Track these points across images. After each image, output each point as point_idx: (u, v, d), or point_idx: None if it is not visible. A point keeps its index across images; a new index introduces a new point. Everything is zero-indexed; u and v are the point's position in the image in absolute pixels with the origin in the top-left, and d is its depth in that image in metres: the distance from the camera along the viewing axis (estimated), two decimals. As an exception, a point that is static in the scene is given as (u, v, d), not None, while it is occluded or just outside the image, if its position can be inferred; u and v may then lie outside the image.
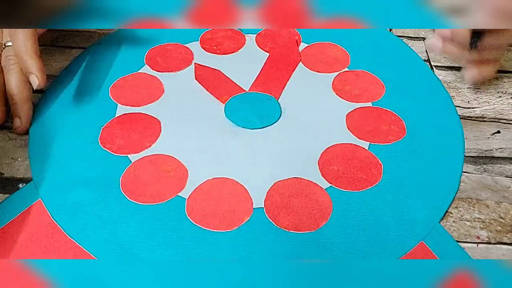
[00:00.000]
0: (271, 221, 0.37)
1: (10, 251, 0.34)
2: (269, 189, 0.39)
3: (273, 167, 0.41)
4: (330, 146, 0.43)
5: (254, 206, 0.38)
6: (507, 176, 0.42)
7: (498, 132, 0.45)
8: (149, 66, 0.49)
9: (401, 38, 0.55)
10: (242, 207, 0.38)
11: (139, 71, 0.49)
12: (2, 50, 0.43)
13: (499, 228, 0.38)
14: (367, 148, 0.43)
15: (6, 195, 0.38)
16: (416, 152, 0.42)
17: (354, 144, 0.43)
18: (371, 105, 0.47)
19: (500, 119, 0.46)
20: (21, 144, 0.42)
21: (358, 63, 0.51)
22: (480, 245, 0.37)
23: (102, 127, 0.43)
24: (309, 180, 0.40)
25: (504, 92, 0.49)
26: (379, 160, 0.42)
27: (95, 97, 0.46)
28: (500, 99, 0.48)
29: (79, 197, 0.38)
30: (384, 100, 0.47)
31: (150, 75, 0.49)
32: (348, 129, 0.44)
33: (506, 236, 0.37)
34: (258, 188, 0.39)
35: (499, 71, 0.50)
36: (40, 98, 0.46)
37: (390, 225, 0.37)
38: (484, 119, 0.46)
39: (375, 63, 0.51)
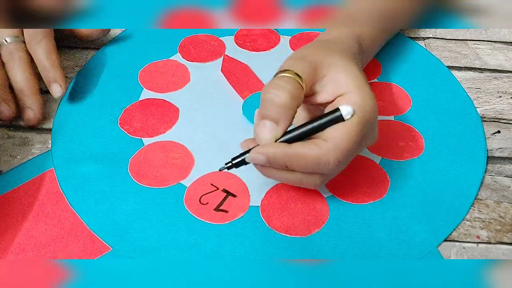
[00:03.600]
0: (264, 220, 0.37)
1: (17, 212, 0.37)
2: (269, 190, 0.39)
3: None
4: (340, 155, 0.42)
5: (250, 204, 0.38)
6: (507, 176, 0.41)
7: (498, 132, 0.45)
8: (181, 54, 0.51)
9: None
10: (238, 203, 0.38)
11: (170, 58, 0.51)
12: (0, 47, 0.43)
13: (499, 227, 0.38)
14: (378, 162, 0.42)
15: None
16: (429, 173, 0.41)
17: (365, 157, 0.42)
18: (392, 119, 0.45)
19: (500, 119, 0.46)
20: (20, 143, 0.42)
21: (388, 75, 0.50)
22: (480, 245, 0.37)
23: (124, 109, 0.45)
24: (310, 186, 0.40)
25: (504, 92, 0.48)
26: (388, 176, 0.41)
27: (124, 78, 0.48)
28: (500, 99, 0.48)
29: (88, 171, 0.40)
30: (408, 115, 0.46)
31: (180, 63, 0.50)
32: (363, 140, 0.43)
33: (506, 236, 0.37)
34: (258, 187, 0.39)
35: (499, 71, 0.50)
36: (73, 78, 0.49)
37: (384, 243, 0.36)
38: (484, 119, 0.46)
39: (406, 77, 0.49)
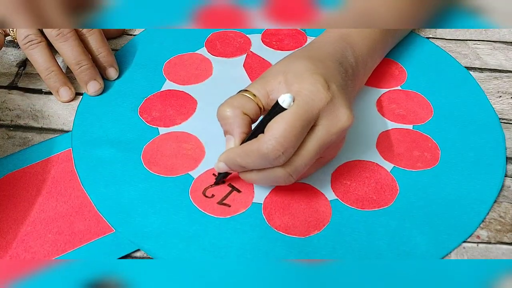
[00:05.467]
0: (264, 218, 0.38)
1: (33, 186, 0.39)
2: (273, 188, 0.40)
3: (286, 168, 0.41)
4: (350, 161, 0.42)
5: (253, 201, 0.39)
6: (507, 176, 0.41)
7: None
8: (207, 48, 0.52)
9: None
10: (242, 198, 0.39)
11: (196, 52, 0.52)
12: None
13: (499, 227, 0.38)
14: (389, 170, 0.41)
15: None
16: (440, 186, 0.40)
17: (376, 164, 0.42)
18: (411, 128, 0.44)
19: (500, 119, 0.46)
20: (20, 143, 0.43)
21: (413, 84, 0.49)
22: (480, 244, 0.37)
23: (145, 98, 0.47)
24: (316, 188, 0.40)
25: (504, 92, 0.48)
26: (397, 185, 0.40)
27: (149, 69, 0.50)
28: (500, 99, 0.47)
29: (103, 154, 0.42)
30: (428, 125, 0.45)
31: (205, 57, 0.51)
32: (376, 147, 0.43)
33: (506, 236, 0.37)
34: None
35: (499, 71, 0.50)
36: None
37: (382, 252, 0.36)
38: (484, 119, 0.45)
39: (431, 86, 0.48)
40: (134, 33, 0.54)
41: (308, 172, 0.38)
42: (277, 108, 0.34)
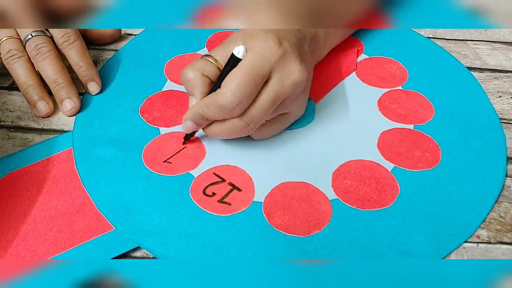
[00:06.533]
0: (265, 217, 0.38)
1: (33, 185, 0.39)
2: (274, 187, 0.40)
3: (286, 168, 0.41)
4: (351, 161, 0.42)
5: (254, 199, 0.39)
6: (507, 176, 0.41)
7: None
8: (208, 49, 0.52)
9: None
10: (242, 197, 0.39)
11: (197, 52, 0.52)
12: (26, 42, 0.45)
13: (499, 227, 0.37)
14: (389, 170, 0.41)
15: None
16: (441, 186, 0.40)
17: (377, 163, 0.41)
18: (412, 128, 0.44)
19: (500, 119, 0.46)
20: (20, 144, 0.43)
21: (414, 84, 0.49)
22: (480, 244, 0.36)
23: (146, 98, 0.47)
24: (317, 188, 0.40)
25: (504, 92, 0.48)
26: (398, 185, 0.40)
27: (150, 69, 0.50)
28: (500, 99, 0.47)
29: (104, 153, 0.42)
30: (429, 125, 0.45)
31: (206, 58, 0.51)
32: (377, 147, 0.43)
33: (506, 236, 0.37)
34: (264, 184, 0.40)
35: (499, 71, 0.50)
36: (102, 66, 0.51)
37: (382, 252, 0.36)
38: (484, 119, 0.45)
39: (432, 86, 0.48)
40: (134, 33, 0.54)
41: (276, 129, 0.42)
42: (233, 60, 0.37)
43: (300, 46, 0.40)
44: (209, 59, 0.39)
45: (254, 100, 0.38)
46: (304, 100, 0.42)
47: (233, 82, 0.36)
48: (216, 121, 0.39)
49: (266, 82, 0.38)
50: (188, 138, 0.42)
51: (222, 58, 0.39)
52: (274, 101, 0.38)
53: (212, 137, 0.42)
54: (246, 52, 0.37)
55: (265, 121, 0.41)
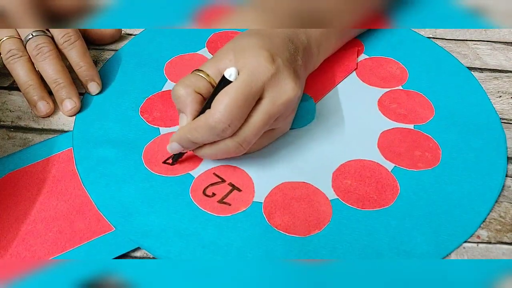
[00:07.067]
0: (265, 217, 0.38)
1: (33, 185, 0.39)
2: (274, 187, 0.40)
3: (286, 168, 0.41)
4: (351, 160, 0.42)
5: (254, 200, 0.39)
6: (507, 176, 0.41)
7: None
8: (208, 49, 0.52)
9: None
10: (242, 197, 0.39)
11: (197, 52, 0.52)
12: (27, 42, 0.45)
13: (499, 227, 0.38)
14: (390, 170, 0.41)
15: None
16: (441, 186, 0.40)
17: (377, 163, 0.41)
18: (412, 128, 0.44)
19: (500, 119, 0.46)
20: (21, 144, 0.43)
21: (414, 84, 0.49)
22: (480, 244, 0.37)
23: (146, 98, 0.47)
24: (317, 188, 0.40)
25: (504, 92, 0.48)
26: (398, 185, 0.40)
27: (150, 68, 0.50)
28: (500, 99, 0.47)
29: (104, 153, 0.42)
30: (429, 125, 0.45)
31: (206, 57, 0.51)
32: (378, 147, 0.43)
33: (506, 236, 0.37)
34: (264, 184, 0.40)
35: (499, 71, 0.50)
36: (102, 66, 0.51)
37: (382, 251, 0.36)
38: (484, 119, 0.45)
39: (432, 87, 0.48)
40: (134, 33, 0.54)
41: (262, 144, 0.41)
42: (223, 82, 0.36)
43: (293, 62, 0.39)
44: (201, 74, 0.38)
45: (246, 120, 0.37)
46: (292, 116, 0.41)
47: (224, 102, 0.35)
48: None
49: (259, 100, 0.37)
50: (177, 159, 0.41)
51: (213, 72, 0.38)
52: (267, 120, 0.37)
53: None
54: (238, 74, 0.36)
55: None
